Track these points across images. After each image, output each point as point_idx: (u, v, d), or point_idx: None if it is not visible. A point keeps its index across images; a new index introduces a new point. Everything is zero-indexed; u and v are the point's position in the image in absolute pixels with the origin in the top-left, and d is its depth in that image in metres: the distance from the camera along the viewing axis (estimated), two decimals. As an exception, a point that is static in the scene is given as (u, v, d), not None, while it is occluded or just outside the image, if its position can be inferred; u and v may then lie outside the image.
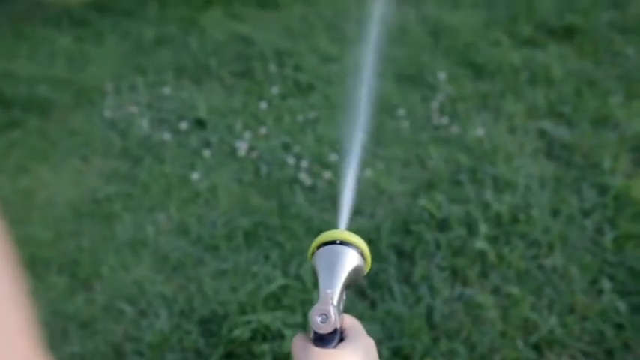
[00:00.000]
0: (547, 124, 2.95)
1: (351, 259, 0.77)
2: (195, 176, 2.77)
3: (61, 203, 2.74)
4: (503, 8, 4.08)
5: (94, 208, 2.70)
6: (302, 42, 3.75)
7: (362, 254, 0.79)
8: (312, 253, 0.80)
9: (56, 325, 2.20)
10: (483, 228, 2.35)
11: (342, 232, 0.79)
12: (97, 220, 2.64)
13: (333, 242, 0.78)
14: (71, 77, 3.65)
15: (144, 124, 3.15)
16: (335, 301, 0.72)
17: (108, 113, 3.26)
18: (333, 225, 2.49)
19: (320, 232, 2.37)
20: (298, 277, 2.25)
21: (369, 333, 0.73)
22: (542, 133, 2.91)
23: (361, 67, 3.22)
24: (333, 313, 0.69)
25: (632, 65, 3.38)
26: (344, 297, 0.76)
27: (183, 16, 4.24)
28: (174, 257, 2.40)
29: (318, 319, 0.69)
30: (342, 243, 0.78)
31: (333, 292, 0.72)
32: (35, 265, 2.43)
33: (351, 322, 0.73)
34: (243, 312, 2.14)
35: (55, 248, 2.51)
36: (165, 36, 4.00)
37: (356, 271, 0.78)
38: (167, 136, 3.03)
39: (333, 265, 0.76)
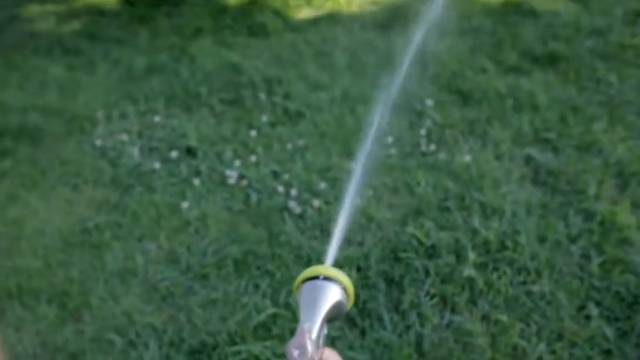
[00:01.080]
0: (533, 151, 2.99)
1: (333, 294, 0.80)
2: (185, 205, 2.78)
3: (50, 233, 2.73)
4: (488, 36, 4.16)
5: (84, 238, 2.69)
6: (291, 70, 3.80)
7: (345, 290, 0.81)
8: (297, 288, 0.82)
9: (45, 357, 2.19)
10: (472, 255, 2.37)
11: (325, 268, 0.82)
12: (87, 250, 2.63)
13: (316, 277, 0.81)
14: (62, 106, 3.67)
15: (134, 152, 3.16)
16: (313, 335, 0.74)
17: (99, 142, 3.28)
18: (322, 253, 2.49)
19: (309, 260, 2.38)
20: (288, 306, 2.25)
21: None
22: (528, 160, 2.96)
23: (349, 95, 3.26)
24: (309, 346, 0.72)
25: (615, 92, 3.45)
26: (324, 331, 0.78)
27: (174, 45, 4.29)
28: (163, 287, 2.40)
29: (295, 353, 0.72)
30: (325, 278, 0.80)
31: (311, 326, 0.75)
32: (24, 296, 2.42)
33: (330, 355, 0.75)
34: (232, 342, 2.13)
35: (44, 278, 2.50)
36: (156, 64, 4.04)
37: (337, 307, 0.80)
38: (157, 165, 3.04)
39: (315, 300, 0.78)
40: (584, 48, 3.92)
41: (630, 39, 3.99)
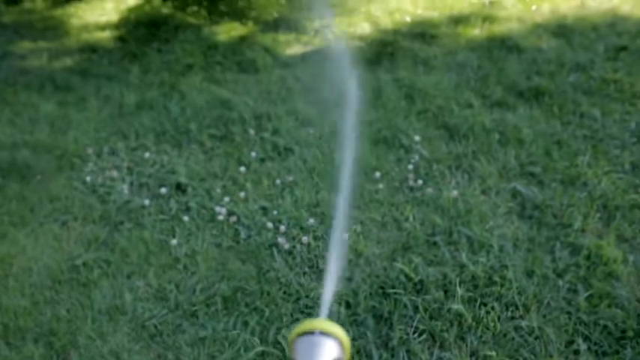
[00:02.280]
0: (519, 185, 3.03)
1: (330, 351, 0.77)
2: (174, 242, 2.78)
3: (38, 270, 2.72)
4: (474, 71, 4.25)
5: (72, 275, 2.68)
6: (280, 105, 3.85)
7: (341, 344, 0.78)
8: (292, 342, 0.79)
9: (30, 399, 2.16)
10: (460, 290, 2.38)
11: (321, 322, 0.78)
12: (75, 288, 2.62)
13: (312, 332, 0.78)
14: (53, 142, 3.68)
15: (124, 189, 3.17)
16: None
17: (89, 178, 3.29)
18: (311, 289, 2.47)
19: (298, 296, 2.37)
20: (277, 343, 2.24)
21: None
22: (514, 194, 2.99)
23: (338, 130, 3.29)
24: None
25: (598, 126, 3.52)
26: None
27: (165, 81, 4.34)
28: (152, 325, 2.39)
29: None
30: (321, 333, 0.78)
31: None
32: (10, 335, 2.40)
33: None
34: (221, 381, 2.12)
35: (31, 317, 2.48)
36: (147, 100, 4.08)
37: None
38: (147, 201, 3.05)
39: (311, 358, 0.76)
40: (567, 83, 4.01)
41: (612, 74, 4.09)
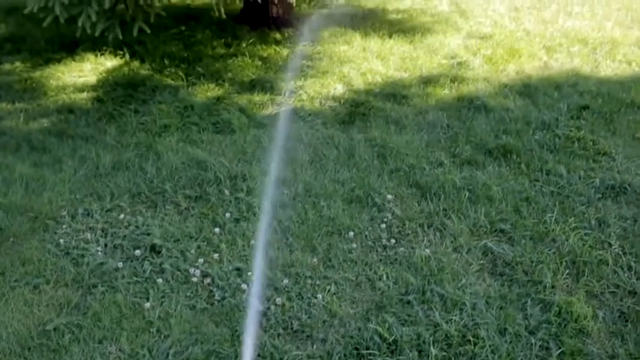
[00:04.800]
0: (489, 242, 3.10)
1: None
2: (147, 304, 2.76)
3: (7, 337, 2.66)
4: (444, 130, 4.39)
5: (43, 341, 2.63)
6: (255, 166, 3.91)
7: None
8: None
9: None
10: (434, 350, 2.40)
11: None
12: (45, 354, 2.56)
13: None
14: (27, 203, 3.66)
15: (98, 251, 3.16)
16: None
17: (62, 240, 3.26)
18: (284, 351, 2.47)
19: (272, 359, 2.35)
20: (251, 409, 2.22)
21: None
22: (485, 251, 3.06)
23: (311, 190, 3.37)
24: None
25: (564, 182, 3.64)
26: None
27: (141, 142, 4.38)
28: (123, 393, 2.34)
29: None
30: None
31: None
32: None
33: None
34: None
35: (-2, 387, 2.41)
36: (123, 161, 4.10)
37: None
38: (121, 264, 3.03)
39: None
40: (533, 141, 4.17)
41: (576, 132, 4.26)
